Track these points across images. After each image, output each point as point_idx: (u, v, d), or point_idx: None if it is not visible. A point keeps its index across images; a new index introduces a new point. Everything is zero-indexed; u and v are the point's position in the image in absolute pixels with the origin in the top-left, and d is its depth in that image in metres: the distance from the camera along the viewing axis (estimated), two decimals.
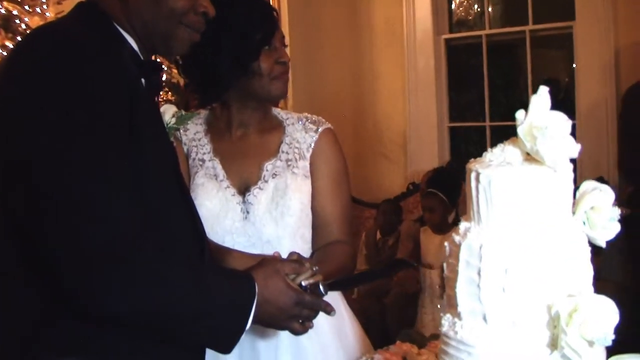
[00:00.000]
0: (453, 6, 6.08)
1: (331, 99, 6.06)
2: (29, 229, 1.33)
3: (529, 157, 1.34)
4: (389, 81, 6.14)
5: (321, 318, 1.68)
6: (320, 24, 6.08)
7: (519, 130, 1.31)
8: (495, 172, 1.31)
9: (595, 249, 4.20)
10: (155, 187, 1.47)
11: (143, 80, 1.57)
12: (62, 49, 1.39)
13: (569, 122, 1.34)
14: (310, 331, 1.66)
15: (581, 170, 5.09)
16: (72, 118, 1.32)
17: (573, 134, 4.58)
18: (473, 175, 1.34)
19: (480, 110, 5.93)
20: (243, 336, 1.51)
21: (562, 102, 5.59)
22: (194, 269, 1.48)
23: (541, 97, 1.33)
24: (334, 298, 1.93)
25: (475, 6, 6.03)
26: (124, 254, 1.31)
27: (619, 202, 4.30)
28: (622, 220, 4.21)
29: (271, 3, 5.73)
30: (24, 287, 1.39)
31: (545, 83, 4.92)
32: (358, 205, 5.86)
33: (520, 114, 1.32)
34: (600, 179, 4.80)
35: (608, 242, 4.39)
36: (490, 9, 5.95)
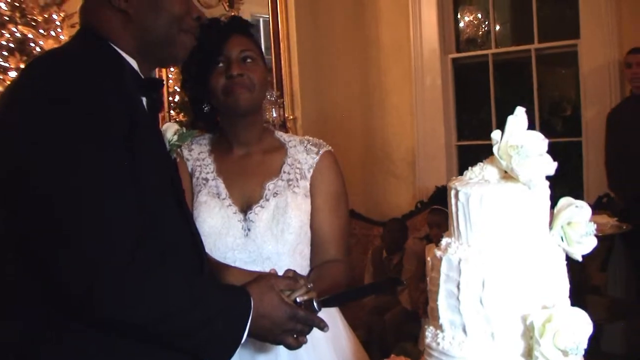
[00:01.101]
0: (461, 25, 6.13)
1: (340, 118, 6.09)
2: (31, 238, 1.38)
3: (507, 175, 1.39)
4: (397, 100, 6.17)
5: (318, 331, 1.73)
6: (329, 45, 6.13)
7: (495, 149, 1.37)
8: (472, 190, 1.36)
9: (601, 266, 4.21)
10: (153, 202, 1.51)
11: (144, 98, 1.63)
12: (62, 73, 1.45)
13: (545, 141, 1.39)
14: (307, 344, 1.72)
15: (587, 187, 5.12)
16: (74, 136, 1.37)
17: (579, 150, 4.61)
18: (452, 192, 1.39)
19: (488, 128, 5.97)
20: (243, 349, 1.56)
21: (569, 119, 5.63)
22: (192, 281, 1.53)
23: (517, 117, 1.38)
24: (331, 312, 1.98)
25: (482, 26, 6.09)
26: (123, 263, 1.36)
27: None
28: (623, 236, 4.24)
29: (279, 26, 5.80)
30: (24, 294, 1.44)
31: (552, 101, 4.98)
32: (366, 223, 5.90)
33: (496, 134, 1.38)
34: (606, 195, 4.83)
35: (613, 259, 4.39)
36: (497, 28, 6.01)
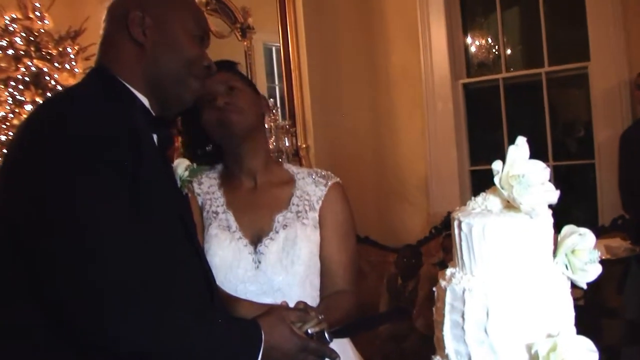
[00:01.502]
0: (472, 49, 6.15)
1: (352, 146, 6.11)
2: (39, 266, 1.40)
3: (509, 204, 1.40)
4: (409, 127, 6.19)
5: None
6: (340, 73, 6.17)
7: (496, 179, 1.38)
8: (475, 220, 1.36)
9: (617, 289, 4.16)
10: (160, 235, 1.54)
11: (155, 135, 1.66)
12: (73, 109, 1.49)
13: (547, 170, 1.40)
14: None
15: (602, 208, 5.10)
16: (82, 168, 1.40)
17: (593, 172, 4.57)
18: (455, 223, 1.40)
19: (501, 152, 5.93)
20: None
21: (581, 141, 5.62)
22: (202, 314, 1.54)
23: (518, 147, 1.39)
24: (342, 342, 1.99)
25: (492, 50, 6.11)
26: (131, 295, 1.37)
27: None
28: (638, 258, 4.19)
29: (290, 55, 5.86)
30: (28, 317, 1.45)
31: (564, 123, 4.93)
32: (381, 250, 5.90)
33: (496, 164, 1.39)
34: (621, 217, 4.80)
35: (630, 281, 4.33)
36: (507, 52, 6.03)
